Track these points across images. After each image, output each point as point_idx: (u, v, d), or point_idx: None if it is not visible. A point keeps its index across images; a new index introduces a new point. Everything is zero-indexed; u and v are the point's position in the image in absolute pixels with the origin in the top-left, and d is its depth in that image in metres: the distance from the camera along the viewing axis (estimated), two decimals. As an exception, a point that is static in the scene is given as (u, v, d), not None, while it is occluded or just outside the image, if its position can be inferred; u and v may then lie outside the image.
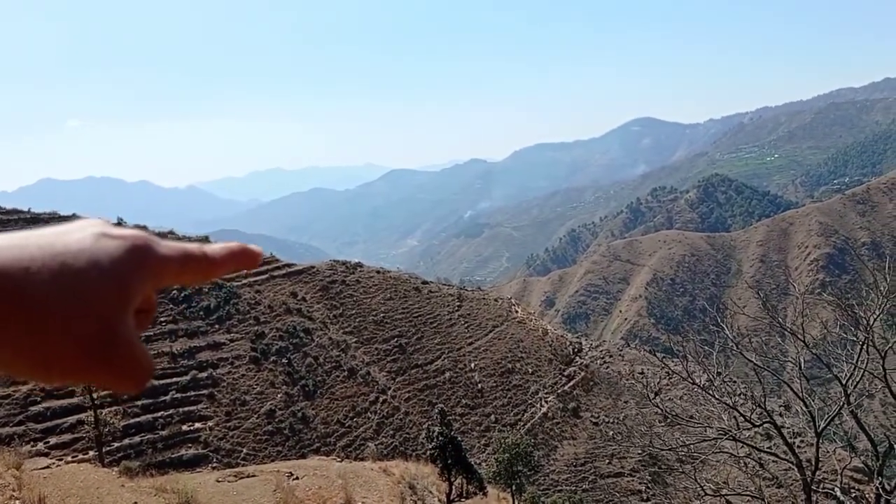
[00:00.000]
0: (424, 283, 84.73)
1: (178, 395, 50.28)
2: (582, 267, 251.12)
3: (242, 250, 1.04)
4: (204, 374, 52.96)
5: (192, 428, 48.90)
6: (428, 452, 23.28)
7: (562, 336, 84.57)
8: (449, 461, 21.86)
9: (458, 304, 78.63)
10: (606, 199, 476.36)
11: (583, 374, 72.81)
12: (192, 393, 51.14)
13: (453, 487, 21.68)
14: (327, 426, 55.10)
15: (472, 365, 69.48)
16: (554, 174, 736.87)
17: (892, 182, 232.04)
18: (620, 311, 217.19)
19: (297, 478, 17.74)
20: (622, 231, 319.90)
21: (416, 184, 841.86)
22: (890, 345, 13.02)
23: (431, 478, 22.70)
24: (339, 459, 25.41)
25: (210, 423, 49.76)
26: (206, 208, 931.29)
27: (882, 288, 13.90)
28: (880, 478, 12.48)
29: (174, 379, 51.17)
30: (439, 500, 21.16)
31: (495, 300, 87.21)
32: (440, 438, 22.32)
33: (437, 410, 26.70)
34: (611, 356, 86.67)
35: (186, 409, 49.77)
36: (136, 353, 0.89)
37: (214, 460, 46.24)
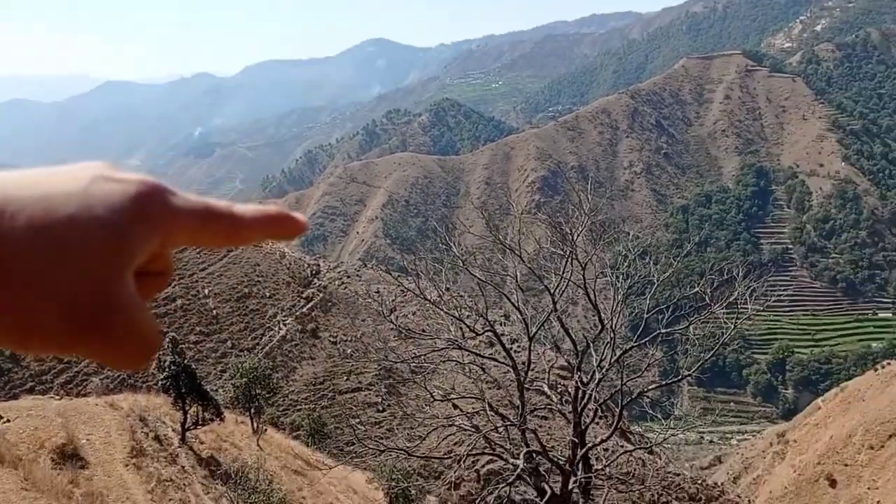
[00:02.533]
0: (151, 206, 79.26)
1: None
2: (319, 189, 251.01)
3: (281, 216, 0.83)
4: None
5: None
6: (160, 383, 22.37)
7: (300, 259, 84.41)
8: (183, 390, 21.18)
9: (189, 228, 74.91)
10: (343, 120, 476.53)
11: (321, 295, 73.70)
12: None
13: (188, 416, 21.12)
14: (42, 363, 50.46)
15: (206, 291, 67.15)
16: (289, 93, 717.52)
17: (595, 111, 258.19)
18: (358, 233, 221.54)
19: (7, 420, 16.20)
20: (358, 153, 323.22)
21: (137, 98, 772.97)
22: (589, 257, 14.78)
23: (164, 408, 21.93)
24: (58, 398, 23.56)
25: None
26: None
27: (585, 207, 15.64)
28: (579, 372, 14.33)
29: None
30: (173, 430, 20.57)
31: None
32: (172, 368, 21.47)
33: (168, 339, 25.60)
34: (349, 277, 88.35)
35: None
36: (138, 321, 0.71)
37: None
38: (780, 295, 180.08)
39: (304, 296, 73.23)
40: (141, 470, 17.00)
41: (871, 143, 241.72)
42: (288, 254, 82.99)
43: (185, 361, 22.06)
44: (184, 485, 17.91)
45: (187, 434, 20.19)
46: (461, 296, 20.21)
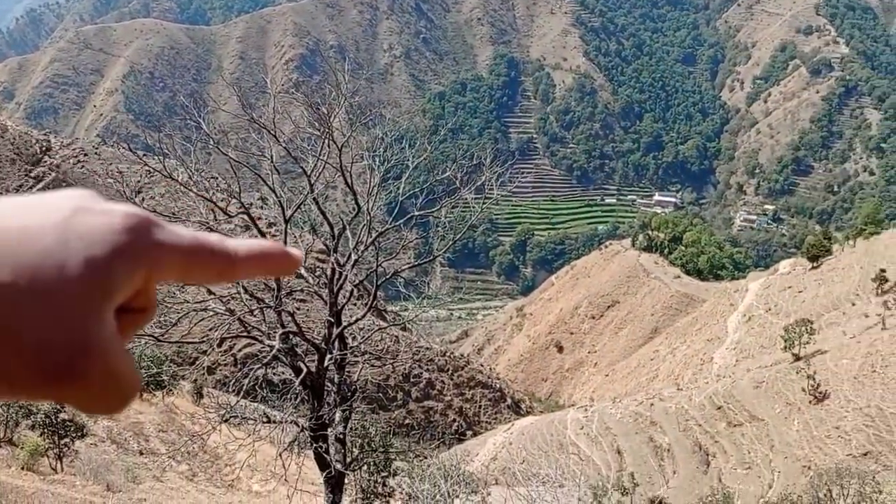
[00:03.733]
0: None
1: None
2: (47, 54, 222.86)
3: (276, 253, 0.75)
4: None
5: None
6: None
7: (26, 133, 75.27)
8: None
9: None
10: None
11: (54, 174, 66.82)
12: None
13: None
14: None
15: None
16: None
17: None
18: (95, 106, 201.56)
19: None
20: (93, 16, 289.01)
21: None
22: (346, 139, 14.73)
23: None
24: None
25: None
26: None
27: (342, 88, 15.42)
28: (335, 254, 14.52)
29: None
30: None
31: (-67, 90, 72.52)
32: None
33: None
34: (86, 155, 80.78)
35: None
36: (116, 365, 0.62)
37: None
38: (523, 181, 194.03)
39: (32, 175, 65.92)
40: None
41: (608, 41, 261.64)
42: (11, 127, 73.58)
43: None
44: None
45: None
46: (214, 177, 19.36)
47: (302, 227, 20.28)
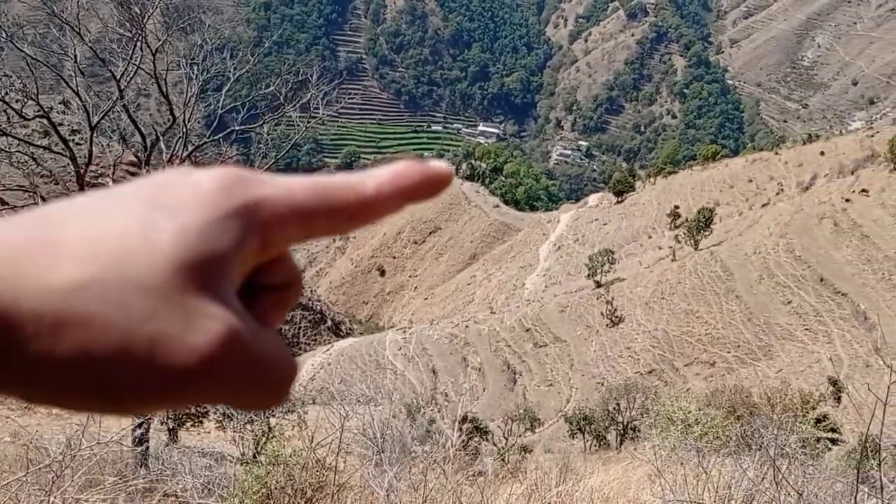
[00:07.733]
0: None
1: None
2: None
3: (419, 176, 0.55)
4: None
5: None
6: None
7: None
8: None
9: None
10: None
11: None
12: None
13: None
14: None
15: None
16: None
17: None
18: None
19: None
20: None
21: None
22: (161, 43, 13.82)
23: None
24: None
25: None
26: None
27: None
28: (147, 167, 13.78)
29: None
30: None
31: None
32: None
33: None
34: None
35: None
36: (255, 350, 0.47)
37: None
38: (350, 103, 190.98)
39: None
40: None
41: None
42: None
43: None
44: None
45: None
46: (7, 75, 17.53)
47: (111, 136, 18.96)
